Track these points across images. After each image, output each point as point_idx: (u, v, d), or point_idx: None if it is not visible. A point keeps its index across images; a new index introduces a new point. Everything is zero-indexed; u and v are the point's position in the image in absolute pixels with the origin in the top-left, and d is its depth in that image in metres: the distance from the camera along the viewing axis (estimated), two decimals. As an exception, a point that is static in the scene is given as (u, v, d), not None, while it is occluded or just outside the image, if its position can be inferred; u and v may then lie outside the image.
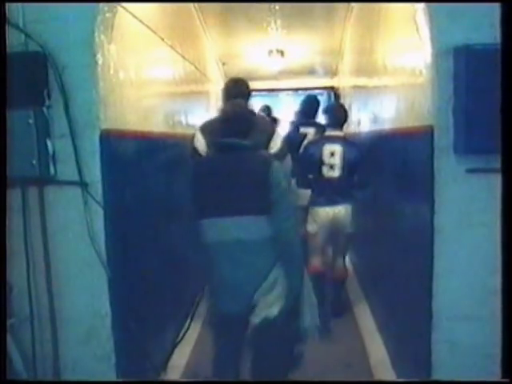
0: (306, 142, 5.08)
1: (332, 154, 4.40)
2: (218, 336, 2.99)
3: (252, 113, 3.04)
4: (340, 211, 4.45)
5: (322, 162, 4.43)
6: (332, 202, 4.44)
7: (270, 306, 2.68)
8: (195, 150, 3.55)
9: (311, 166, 4.49)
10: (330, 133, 4.63)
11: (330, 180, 4.43)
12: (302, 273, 2.80)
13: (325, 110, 5.23)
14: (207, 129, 3.57)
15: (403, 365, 3.49)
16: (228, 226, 2.68)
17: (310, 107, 5.76)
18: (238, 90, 3.55)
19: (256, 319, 2.70)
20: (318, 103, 5.83)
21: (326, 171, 4.43)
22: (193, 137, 3.62)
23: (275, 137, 3.61)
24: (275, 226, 2.67)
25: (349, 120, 4.92)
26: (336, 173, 4.42)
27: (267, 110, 6.70)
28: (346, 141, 4.55)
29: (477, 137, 2.49)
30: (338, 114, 4.69)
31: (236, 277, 2.71)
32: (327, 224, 4.50)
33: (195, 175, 2.85)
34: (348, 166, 4.42)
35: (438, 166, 2.71)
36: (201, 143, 3.53)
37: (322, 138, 4.71)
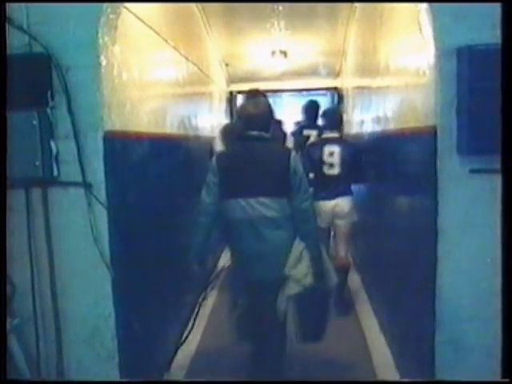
0: (307, 144, 5.49)
1: (331, 154, 4.82)
2: (244, 304, 3.44)
3: (272, 110, 3.47)
4: (339, 205, 4.86)
5: (322, 162, 4.83)
6: (332, 196, 4.84)
7: (304, 276, 3.16)
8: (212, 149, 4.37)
9: (313, 166, 4.78)
10: (328, 135, 5.04)
11: (331, 177, 4.84)
12: (319, 242, 3.32)
13: (323, 113, 5.51)
14: (225, 130, 4.48)
15: (407, 365, 3.49)
16: (253, 205, 3.16)
17: (311, 111, 6.18)
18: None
19: (296, 288, 3.16)
20: (318, 107, 6.17)
21: (326, 169, 4.84)
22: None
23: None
24: (296, 205, 3.18)
25: (345, 122, 5.40)
26: (335, 170, 4.83)
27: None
28: (343, 141, 5.04)
29: (480, 137, 2.49)
30: (335, 118, 5.17)
31: (260, 248, 3.18)
32: (328, 216, 4.87)
33: (223, 162, 3.29)
34: (346, 163, 4.82)
35: (442, 167, 2.71)
36: (218, 143, 4.39)
37: (321, 140, 5.15)
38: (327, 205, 4.82)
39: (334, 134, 5.00)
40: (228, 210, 3.23)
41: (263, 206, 3.15)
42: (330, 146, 4.85)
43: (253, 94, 3.81)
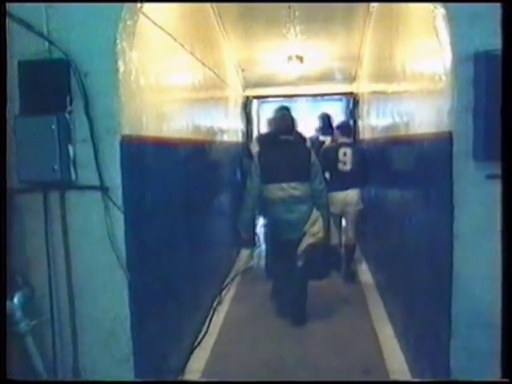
0: (324, 147, 6.76)
1: (344, 154, 6.16)
2: (277, 254, 5.08)
3: (294, 120, 5.04)
4: (349, 195, 6.13)
5: (338, 160, 6.13)
6: (345, 187, 6.09)
7: (317, 232, 4.71)
8: (249, 150, 5.62)
9: (330, 163, 6.09)
10: (342, 140, 6.36)
11: (344, 172, 6.14)
12: (329, 213, 4.96)
13: (337, 126, 6.79)
14: (261, 138, 5.76)
15: (421, 372, 3.47)
16: (285, 188, 4.67)
17: (325, 123, 7.53)
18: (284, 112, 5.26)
19: (311, 239, 4.70)
20: (331, 119, 7.60)
21: (340, 166, 6.15)
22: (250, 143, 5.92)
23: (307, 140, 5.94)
24: (314, 187, 4.72)
25: (360, 127, 7.14)
26: (347, 167, 6.13)
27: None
28: (353, 145, 6.44)
29: (496, 143, 2.47)
30: (348, 128, 6.66)
31: (290, 217, 4.68)
32: (341, 204, 6.11)
33: (263, 158, 4.81)
34: (355, 162, 6.13)
35: (458, 172, 2.70)
36: (254, 146, 5.65)
37: (337, 144, 6.42)
38: (341, 195, 6.06)
39: (347, 140, 6.35)
40: (268, 192, 4.72)
41: (292, 188, 4.66)
42: (343, 148, 6.18)
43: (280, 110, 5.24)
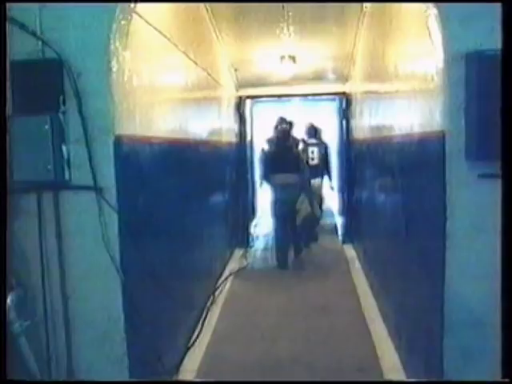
0: (299, 148, 8.58)
1: (312, 152, 8.66)
2: (278, 224, 7.26)
3: (290, 131, 7.64)
4: (316, 182, 8.43)
5: (308, 157, 8.42)
6: (313, 177, 8.14)
7: (307, 209, 7.00)
8: (263, 149, 7.83)
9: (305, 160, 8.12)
10: (310, 141, 8.83)
11: (312, 166, 8.37)
12: (311, 195, 7.28)
13: (306, 129, 9.13)
14: (270, 140, 7.90)
15: (415, 371, 3.48)
16: (283, 177, 6.95)
17: (311, 131, 9.24)
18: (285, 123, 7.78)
19: (304, 213, 6.98)
20: (315, 128, 9.38)
21: (310, 161, 8.42)
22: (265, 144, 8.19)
23: (299, 143, 8.02)
24: (301, 177, 7.05)
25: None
26: (315, 162, 8.58)
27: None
28: (319, 145, 8.87)
29: (488, 142, 2.49)
30: (314, 130, 9.01)
31: (286, 197, 6.95)
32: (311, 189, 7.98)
33: (268, 156, 7.40)
34: (320, 158, 8.66)
35: (450, 172, 2.71)
36: (265, 146, 7.75)
37: (307, 144, 8.72)
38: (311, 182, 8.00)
39: (314, 140, 8.81)
40: (272, 179, 7.11)
41: (288, 177, 6.91)
42: (311, 148, 8.66)
43: (281, 122, 7.73)
